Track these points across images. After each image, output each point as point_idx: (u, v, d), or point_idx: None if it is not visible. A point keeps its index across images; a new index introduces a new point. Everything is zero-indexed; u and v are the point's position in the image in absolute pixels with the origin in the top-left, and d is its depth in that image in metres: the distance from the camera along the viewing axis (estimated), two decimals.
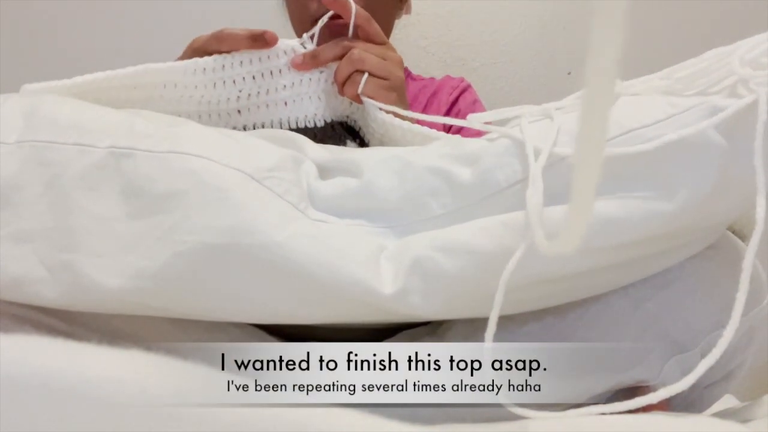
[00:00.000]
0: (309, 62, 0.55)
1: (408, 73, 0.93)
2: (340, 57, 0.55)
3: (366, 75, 0.54)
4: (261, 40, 0.53)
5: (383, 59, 0.56)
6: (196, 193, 0.35)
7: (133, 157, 0.36)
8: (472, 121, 0.44)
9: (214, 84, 0.53)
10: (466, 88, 0.91)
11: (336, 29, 0.56)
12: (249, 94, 0.54)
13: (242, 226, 0.34)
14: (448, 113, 0.88)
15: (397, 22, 0.86)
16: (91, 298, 0.35)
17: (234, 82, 0.53)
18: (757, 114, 0.33)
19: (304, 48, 0.56)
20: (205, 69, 0.52)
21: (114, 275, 0.34)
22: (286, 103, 0.56)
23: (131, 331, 0.40)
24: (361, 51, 0.55)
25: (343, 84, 0.55)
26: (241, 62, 0.53)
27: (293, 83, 0.56)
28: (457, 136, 0.49)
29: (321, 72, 0.57)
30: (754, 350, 0.44)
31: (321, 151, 0.45)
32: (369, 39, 0.56)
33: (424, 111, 0.87)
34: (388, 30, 0.81)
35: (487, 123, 0.43)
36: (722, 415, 0.46)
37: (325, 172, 0.43)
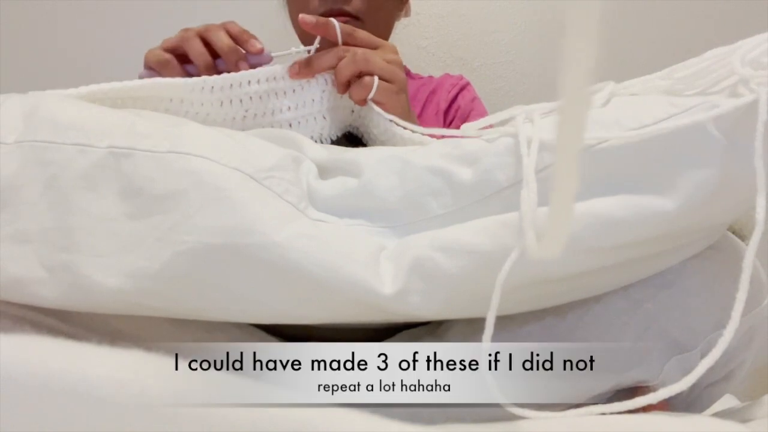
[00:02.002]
0: (304, 71, 0.55)
1: (407, 72, 0.93)
2: (335, 66, 0.55)
3: (377, 79, 0.54)
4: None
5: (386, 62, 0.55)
6: (196, 193, 0.35)
7: (132, 157, 0.36)
8: (466, 130, 0.44)
9: (221, 102, 0.53)
10: (465, 86, 0.91)
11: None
12: (255, 114, 0.54)
13: (242, 226, 0.34)
14: (447, 110, 0.88)
15: (396, 23, 0.86)
16: (91, 298, 0.35)
17: (241, 101, 0.53)
18: (758, 114, 0.33)
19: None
20: (213, 87, 0.52)
21: (114, 275, 0.34)
22: (290, 125, 0.56)
23: (131, 332, 0.40)
24: (365, 51, 0.54)
25: (345, 85, 0.55)
26: (249, 81, 0.53)
27: (297, 105, 0.56)
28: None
29: (323, 91, 0.56)
30: (754, 350, 0.44)
31: (321, 151, 0.45)
32: (362, 47, 0.56)
33: (423, 109, 0.87)
34: (387, 31, 0.81)
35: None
36: (722, 415, 0.46)
37: (324, 171, 0.43)
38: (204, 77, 0.52)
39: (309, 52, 0.56)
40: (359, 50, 0.54)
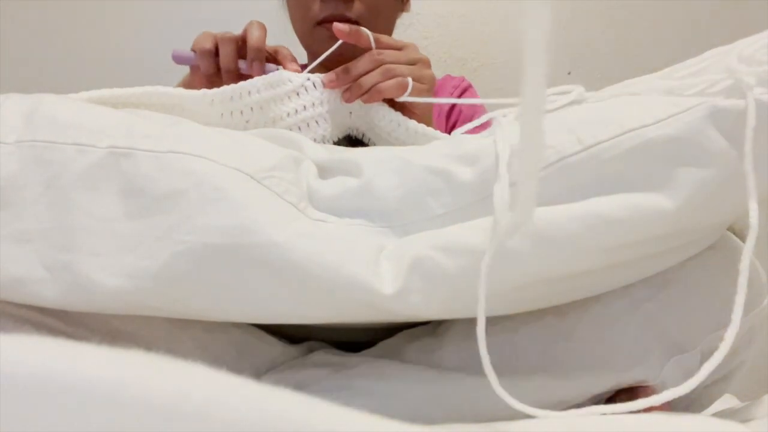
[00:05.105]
0: (342, 78, 0.57)
1: None
2: (372, 71, 0.56)
3: (410, 80, 0.56)
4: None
5: (412, 64, 0.58)
6: (196, 192, 0.35)
7: (132, 157, 0.36)
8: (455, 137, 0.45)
9: (221, 114, 0.53)
10: (467, 88, 0.91)
11: (341, 51, 0.58)
12: (256, 125, 0.54)
13: (242, 226, 0.34)
14: (449, 113, 0.88)
15: (398, 21, 0.86)
16: (91, 298, 0.35)
17: (241, 112, 0.54)
18: (747, 118, 0.33)
19: (308, 80, 0.57)
20: (213, 100, 0.52)
21: (113, 275, 0.34)
22: (291, 129, 0.56)
23: (131, 331, 0.40)
24: (392, 65, 0.56)
25: (366, 89, 0.56)
26: (249, 92, 0.53)
27: (296, 110, 0.56)
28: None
29: (322, 93, 0.57)
30: (754, 350, 0.44)
31: (321, 151, 0.45)
32: (387, 49, 0.58)
33: None
34: (389, 29, 0.81)
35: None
36: (722, 415, 0.46)
37: (324, 171, 0.43)
38: (204, 91, 0.52)
39: (277, 69, 0.57)
40: (387, 63, 0.56)
